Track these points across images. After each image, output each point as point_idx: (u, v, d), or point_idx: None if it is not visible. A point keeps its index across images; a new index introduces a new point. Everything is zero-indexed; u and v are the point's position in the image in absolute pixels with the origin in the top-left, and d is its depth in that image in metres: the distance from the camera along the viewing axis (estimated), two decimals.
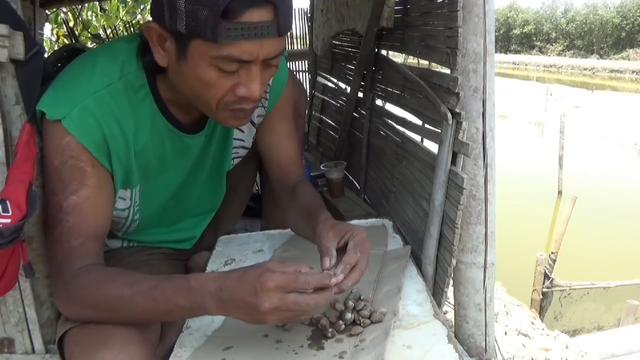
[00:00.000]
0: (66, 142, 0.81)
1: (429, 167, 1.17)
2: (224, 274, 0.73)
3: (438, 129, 1.12)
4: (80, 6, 3.85)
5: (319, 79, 2.73)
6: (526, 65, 35.31)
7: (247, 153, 1.18)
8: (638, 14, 34.07)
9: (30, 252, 0.85)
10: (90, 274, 0.79)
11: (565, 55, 37.99)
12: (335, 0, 2.07)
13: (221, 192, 1.22)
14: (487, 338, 1.08)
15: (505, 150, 8.02)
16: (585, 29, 38.43)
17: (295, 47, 6.15)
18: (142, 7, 4.53)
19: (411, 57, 1.49)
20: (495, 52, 1.01)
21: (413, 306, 0.93)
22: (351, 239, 0.83)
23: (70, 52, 1.20)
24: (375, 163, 1.75)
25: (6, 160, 0.82)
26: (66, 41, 3.89)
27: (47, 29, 3.88)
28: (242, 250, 1.23)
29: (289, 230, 1.28)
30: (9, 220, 0.71)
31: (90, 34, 4.22)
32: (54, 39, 4.01)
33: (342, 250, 0.82)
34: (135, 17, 4.77)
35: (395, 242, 1.21)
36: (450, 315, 1.44)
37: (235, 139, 1.11)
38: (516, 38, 44.38)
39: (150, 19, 0.80)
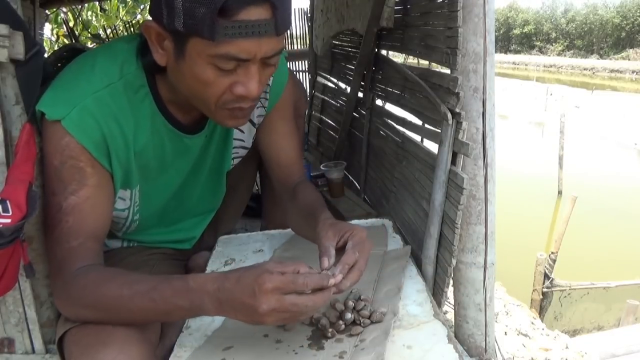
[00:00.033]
0: (66, 143, 0.81)
1: (429, 167, 1.17)
2: (222, 275, 0.73)
3: (438, 129, 1.12)
4: (80, 6, 3.85)
5: (319, 79, 2.73)
6: (526, 65, 35.31)
7: (247, 153, 1.18)
8: (638, 14, 34.07)
9: (31, 252, 0.85)
10: (89, 275, 0.79)
11: (565, 55, 37.99)
12: (335, 0, 2.07)
13: (221, 192, 1.22)
14: (487, 338, 1.08)
15: (505, 150, 8.02)
16: (585, 29, 38.43)
17: (295, 47, 6.15)
18: (142, 7, 4.52)
19: (411, 57, 1.49)
20: (495, 52, 1.01)
21: (413, 306, 0.93)
22: (350, 239, 0.82)
23: (70, 52, 1.20)
24: (375, 163, 1.75)
25: (6, 160, 0.82)
26: (66, 41, 3.89)
27: (47, 29, 3.88)
28: (242, 250, 1.23)
29: (289, 230, 1.28)
30: (9, 220, 0.71)
31: (90, 34, 4.22)
32: (54, 39, 4.01)
33: (341, 250, 0.82)
34: (135, 17, 4.76)
35: (395, 242, 1.21)
36: (450, 315, 1.44)
37: (235, 139, 1.11)
38: (516, 38, 44.39)
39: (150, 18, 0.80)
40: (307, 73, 3.54)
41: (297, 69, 5.00)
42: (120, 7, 4.56)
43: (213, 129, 1.05)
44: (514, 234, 5.38)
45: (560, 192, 7.54)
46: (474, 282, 1.05)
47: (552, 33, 41.72)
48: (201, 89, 0.80)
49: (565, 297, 3.71)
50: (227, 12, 0.71)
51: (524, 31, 43.57)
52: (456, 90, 0.99)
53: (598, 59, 34.60)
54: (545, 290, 3.71)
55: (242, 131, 1.11)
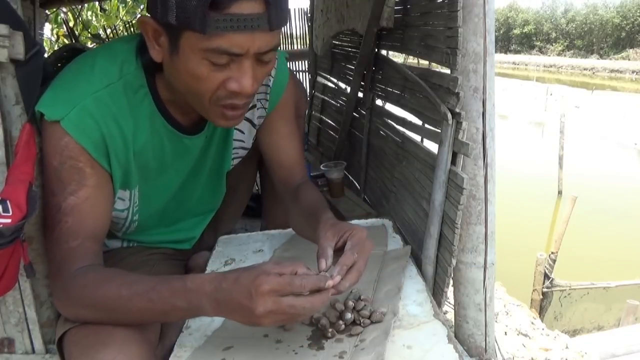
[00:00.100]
0: (65, 143, 0.81)
1: (429, 167, 1.17)
2: (220, 275, 0.73)
3: (438, 129, 1.12)
4: (80, 6, 3.85)
5: (319, 79, 2.73)
6: (526, 65, 35.30)
7: (247, 153, 1.18)
8: (638, 14, 34.06)
9: (31, 252, 0.85)
10: (88, 275, 0.79)
11: (565, 55, 37.99)
12: (335, 0, 2.07)
13: (221, 192, 1.22)
14: (487, 338, 1.08)
15: (505, 150, 8.02)
16: (585, 29, 38.43)
17: (295, 47, 6.16)
18: (142, 7, 4.52)
19: (411, 57, 1.49)
20: (495, 52, 1.01)
21: (413, 306, 0.93)
22: (349, 239, 0.82)
23: (70, 52, 1.20)
24: (375, 163, 1.75)
25: (6, 160, 0.82)
26: (66, 41, 3.90)
27: (47, 29, 3.88)
28: (242, 250, 1.23)
29: (289, 230, 1.28)
30: (9, 220, 0.71)
31: (90, 34, 4.22)
32: (54, 39, 4.01)
33: (341, 250, 0.81)
34: (135, 17, 4.76)
35: (395, 242, 1.21)
36: (450, 315, 1.44)
37: (235, 139, 1.11)
38: (516, 38, 44.38)
39: None
40: (307, 73, 3.54)
41: (297, 69, 5.00)
42: (120, 7, 4.56)
43: (213, 129, 1.05)
44: (514, 234, 5.39)
45: (560, 192, 7.54)
46: (474, 282, 1.05)
47: (552, 33, 41.71)
48: (195, 85, 0.80)
49: (565, 297, 3.72)
50: (218, 5, 0.71)
51: (524, 31, 43.57)
52: (456, 90, 0.99)
53: (598, 59, 34.60)
54: (545, 290, 3.71)
55: (242, 132, 1.11)
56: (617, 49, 35.23)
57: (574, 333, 3.52)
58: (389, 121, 1.61)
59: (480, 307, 1.06)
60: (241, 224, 1.71)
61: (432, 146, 1.18)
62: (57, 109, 0.81)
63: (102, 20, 4.45)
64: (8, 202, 0.72)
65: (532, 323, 2.24)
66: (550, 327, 2.42)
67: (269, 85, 1.06)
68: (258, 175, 1.42)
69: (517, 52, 42.46)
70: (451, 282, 1.07)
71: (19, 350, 0.94)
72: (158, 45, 0.80)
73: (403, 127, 1.47)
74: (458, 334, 1.10)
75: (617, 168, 9.04)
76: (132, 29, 4.67)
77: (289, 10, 0.84)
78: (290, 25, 6.12)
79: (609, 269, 4.83)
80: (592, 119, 12.94)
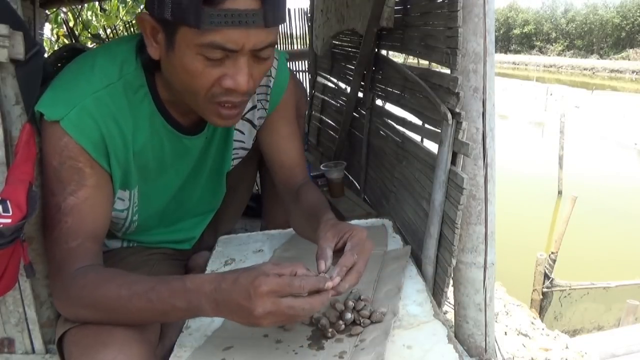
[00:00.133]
0: (64, 143, 0.81)
1: (429, 167, 1.17)
2: (220, 276, 0.72)
3: (438, 129, 1.12)
4: (80, 6, 3.86)
5: (319, 79, 2.73)
6: (526, 65, 35.30)
7: (247, 154, 1.18)
8: (638, 14, 34.07)
9: (31, 252, 0.85)
10: (88, 275, 0.79)
11: (565, 55, 37.99)
12: (335, 0, 2.07)
13: (221, 192, 1.22)
14: (487, 338, 1.08)
15: (505, 150, 8.02)
16: (585, 29, 38.43)
17: (295, 47, 6.15)
18: (141, 7, 4.53)
19: (411, 57, 1.49)
20: (495, 52, 1.01)
21: (413, 306, 0.93)
22: (349, 240, 0.82)
23: (70, 52, 1.20)
24: (375, 163, 1.75)
25: (6, 160, 0.82)
26: (66, 41, 3.90)
27: (47, 29, 3.88)
28: (242, 250, 1.23)
29: (289, 230, 1.28)
30: (9, 220, 0.71)
31: (90, 34, 4.23)
32: (54, 39, 4.01)
33: (341, 251, 0.81)
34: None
35: (395, 242, 1.21)
36: (450, 315, 1.44)
37: (235, 140, 1.11)
38: (516, 38, 44.38)
39: None
40: (307, 73, 3.54)
41: (297, 69, 5.00)
42: (120, 7, 4.56)
43: (213, 130, 1.05)
44: (514, 234, 5.38)
45: (560, 192, 7.54)
46: (474, 282, 1.05)
47: (552, 33, 41.72)
48: (190, 81, 0.79)
49: (565, 297, 3.72)
50: (213, 0, 0.71)
51: (524, 31, 43.57)
52: (456, 90, 0.99)
53: (598, 59, 34.60)
54: (545, 290, 3.71)
55: (242, 132, 1.11)
56: (617, 49, 35.24)
57: (574, 333, 3.52)
58: (389, 121, 1.61)
59: (480, 307, 1.06)
60: (241, 224, 1.71)
61: (432, 146, 1.18)
62: (57, 109, 0.81)
63: (102, 20, 4.45)
64: (8, 202, 0.72)
65: (532, 323, 2.24)
66: (550, 327, 2.42)
67: (270, 86, 1.06)
68: (258, 175, 1.42)
69: (517, 52, 42.46)
70: (451, 282, 1.07)
71: (19, 350, 0.94)
72: (156, 42, 0.81)
73: (403, 127, 1.47)
74: (458, 334, 1.10)
75: (617, 168, 9.04)
76: (132, 29, 4.67)
77: (286, 8, 0.83)
78: (290, 25, 6.12)
79: (609, 269, 4.83)
80: (592, 119, 12.94)
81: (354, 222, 1.30)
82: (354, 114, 2.04)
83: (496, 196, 1.03)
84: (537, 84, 21.03)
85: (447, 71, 1.05)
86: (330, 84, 2.55)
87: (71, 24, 4.03)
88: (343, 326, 0.84)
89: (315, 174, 2.03)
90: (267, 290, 0.67)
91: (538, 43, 42.55)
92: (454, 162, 1.04)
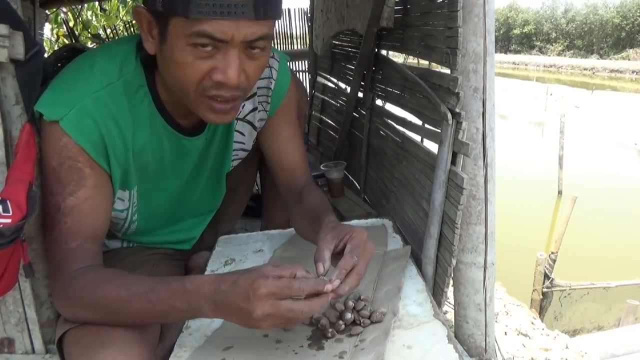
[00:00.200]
0: (64, 143, 0.81)
1: (429, 167, 1.17)
2: (219, 277, 0.72)
3: (438, 129, 1.12)
4: (80, 6, 3.86)
5: (319, 79, 2.73)
6: (526, 65, 35.29)
7: (247, 155, 1.18)
8: (638, 14, 34.05)
9: (31, 252, 0.85)
10: (87, 275, 0.79)
11: (565, 55, 37.97)
12: (335, 0, 2.07)
13: (221, 193, 1.22)
14: (487, 338, 1.08)
15: (505, 150, 8.02)
16: (585, 29, 38.42)
17: (295, 47, 6.16)
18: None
19: (411, 57, 1.49)
20: (495, 52, 1.01)
21: (413, 306, 0.93)
22: (349, 242, 0.81)
23: (70, 52, 1.20)
24: (375, 163, 1.75)
25: (6, 160, 0.82)
26: (66, 41, 3.90)
27: (47, 29, 3.88)
28: (242, 250, 1.23)
29: (289, 230, 1.28)
30: (9, 220, 0.71)
31: (90, 34, 4.23)
32: (54, 39, 4.01)
33: (341, 254, 0.81)
34: None
35: (395, 242, 1.21)
36: (450, 315, 1.44)
37: (235, 141, 1.10)
38: (516, 38, 44.37)
39: None
40: (307, 73, 3.54)
41: (297, 69, 5.00)
42: (120, 7, 4.56)
43: (213, 131, 1.05)
44: (514, 234, 5.38)
45: (560, 192, 7.54)
46: (474, 282, 1.05)
47: (552, 33, 41.70)
48: (180, 74, 0.79)
49: (565, 297, 3.72)
50: None
51: (524, 31, 43.55)
52: (456, 90, 0.99)
53: (598, 59, 34.59)
54: (545, 290, 3.71)
55: (242, 134, 1.11)
56: (617, 49, 35.22)
57: (574, 333, 3.52)
58: (389, 121, 1.61)
59: (480, 307, 1.06)
60: (241, 224, 1.71)
61: (432, 146, 1.18)
62: (56, 109, 0.81)
63: (102, 20, 4.46)
64: (8, 202, 0.72)
65: (532, 323, 2.24)
66: (550, 327, 2.42)
67: (271, 88, 1.06)
68: (258, 175, 1.42)
69: (517, 52, 42.45)
70: (451, 282, 1.07)
71: (19, 350, 0.94)
72: (151, 37, 0.81)
73: (403, 127, 1.47)
74: (458, 334, 1.10)
75: (617, 168, 9.04)
76: (132, 29, 4.67)
77: (281, 3, 0.83)
78: (290, 25, 6.13)
79: (609, 269, 4.82)
80: (592, 119, 12.94)
81: (354, 222, 1.30)
82: (354, 114, 2.04)
83: (496, 196, 1.03)
84: (537, 84, 21.02)
85: (447, 71, 1.05)
86: (330, 84, 2.55)
87: (71, 24, 4.03)
88: (343, 326, 0.84)
89: (315, 174, 2.03)
90: (266, 293, 0.67)
91: (538, 43, 42.54)
92: (454, 162, 1.04)
